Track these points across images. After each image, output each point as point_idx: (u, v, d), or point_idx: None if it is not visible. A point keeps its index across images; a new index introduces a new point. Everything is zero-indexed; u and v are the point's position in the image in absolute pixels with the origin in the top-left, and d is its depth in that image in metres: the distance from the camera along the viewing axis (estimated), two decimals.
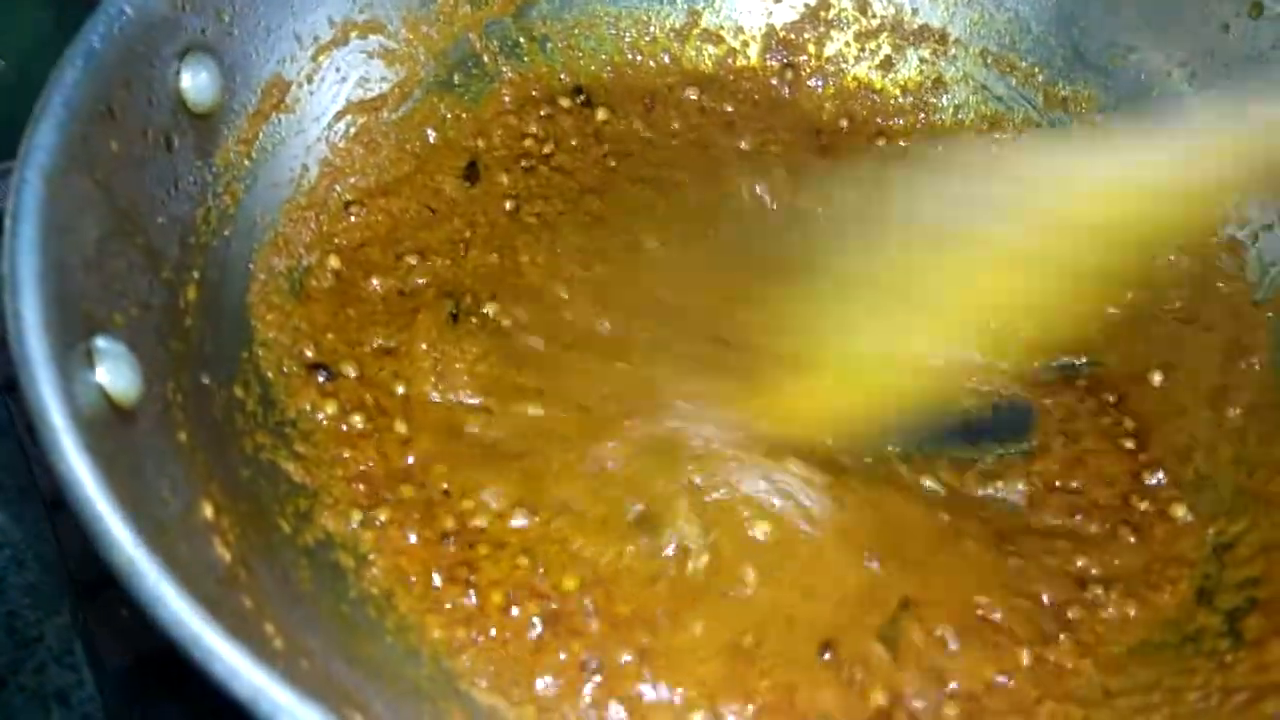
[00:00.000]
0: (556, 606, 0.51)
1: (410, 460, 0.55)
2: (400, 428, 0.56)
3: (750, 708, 0.50)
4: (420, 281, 0.61)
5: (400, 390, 0.57)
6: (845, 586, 0.53)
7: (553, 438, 0.56)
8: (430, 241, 0.63)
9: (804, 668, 0.51)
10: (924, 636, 0.52)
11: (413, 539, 0.53)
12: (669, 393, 0.59)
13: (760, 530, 0.55)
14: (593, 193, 0.67)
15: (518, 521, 0.53)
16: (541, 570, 0.52)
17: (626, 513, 0.54)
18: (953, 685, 0.50)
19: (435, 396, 0.57)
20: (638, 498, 0.55)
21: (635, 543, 0.53)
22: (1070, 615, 0.53)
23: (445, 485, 0.54)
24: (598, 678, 0.50)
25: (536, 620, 0.51)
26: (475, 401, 0.57)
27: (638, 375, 0.59)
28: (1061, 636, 0.52)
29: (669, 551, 0.54)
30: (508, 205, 0.65)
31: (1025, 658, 0.51)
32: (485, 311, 0.60)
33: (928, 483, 0.58)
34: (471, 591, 0.52)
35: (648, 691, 0.50)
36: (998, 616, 0.53)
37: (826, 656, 0.51)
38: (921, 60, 0.73)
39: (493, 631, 0.51)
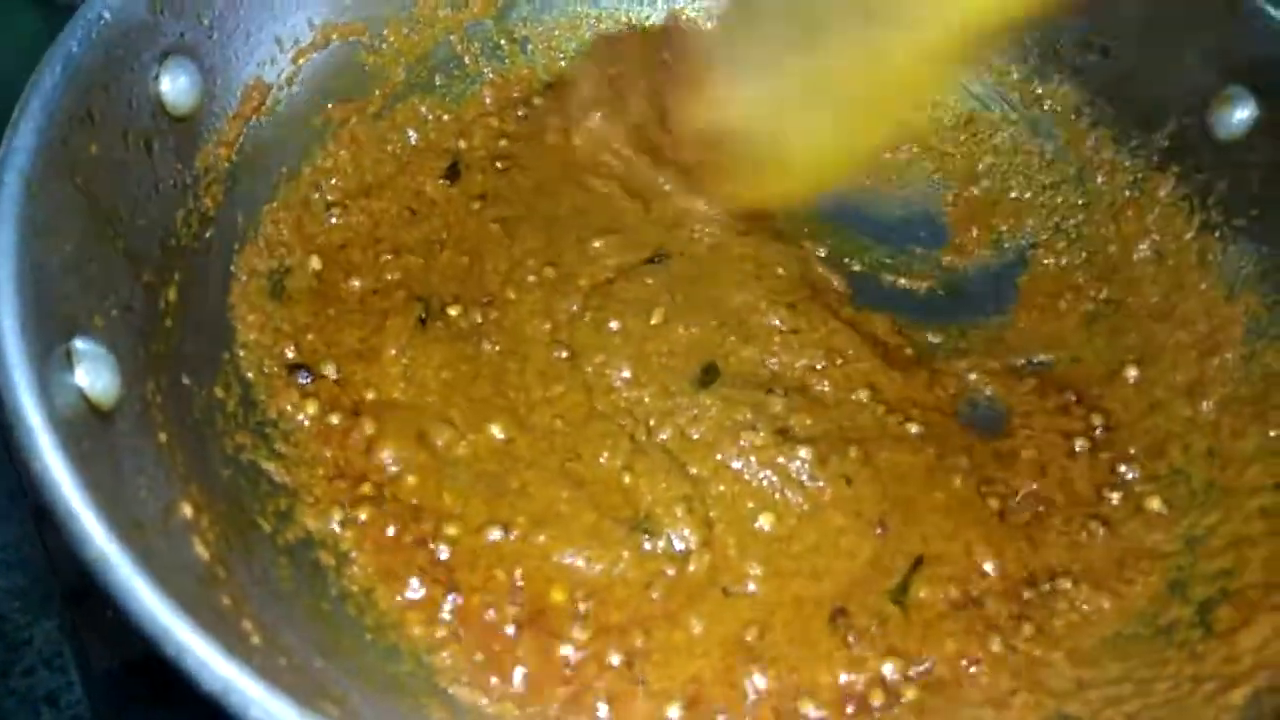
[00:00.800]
0: (538, 611, 0.52)
1: (380, 465, 0.55)
2: (369, 429, 0.56)
3: (744, 695, 0.50)
4: (392, 278, 0.61)
5: (370, 396, 0.57)
6: (857, 560, 0.54)
7: (519, 454, 0.56)
8: (407, 241, 0.63)
9: (811, 644, 0.52)
10: (934, 595, 0.53)
11: (391, 541, 0.53)
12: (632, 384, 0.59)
13: (765, 521, 0.55)
14: (548, 194, 0.67)
15: (493, 535, 0.53)
16: (519, 581, 0.52)
17: (619, 519, 0.54)
18: (928, 669, 0.51)
19: (404, 401, 0.57)
20: (629, 503, 0.55)
21: (631, 549, 0.53)
22: (1036, 603, 0.54)
23: (415, 500, 0.54)
24: (579, 675, 0.50)
25: (517, 623, 0.51)
26: (443, 412, 0.57)
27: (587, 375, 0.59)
28: (1026, 626, 0.53)
29: (666, 554, 0.54)
30: (475, 205, 0.65)
31: (996, 645, 0.52)
32: (450, 313, 0.61)
33: (913, 429, 0.59)
34: (451, 593, 0.52)
35: (630, 688, 0.50)
36: (978, 592, 0.54)
37: (839, 623, 0.52)
38: None
39: (473, 630, 0.51)
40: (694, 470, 0.56)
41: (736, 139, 0.64)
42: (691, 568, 0.54)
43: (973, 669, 0.51)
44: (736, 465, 0.56)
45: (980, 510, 0.57)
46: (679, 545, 0.54)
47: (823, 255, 0.68)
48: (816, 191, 0.68)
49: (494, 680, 0.50)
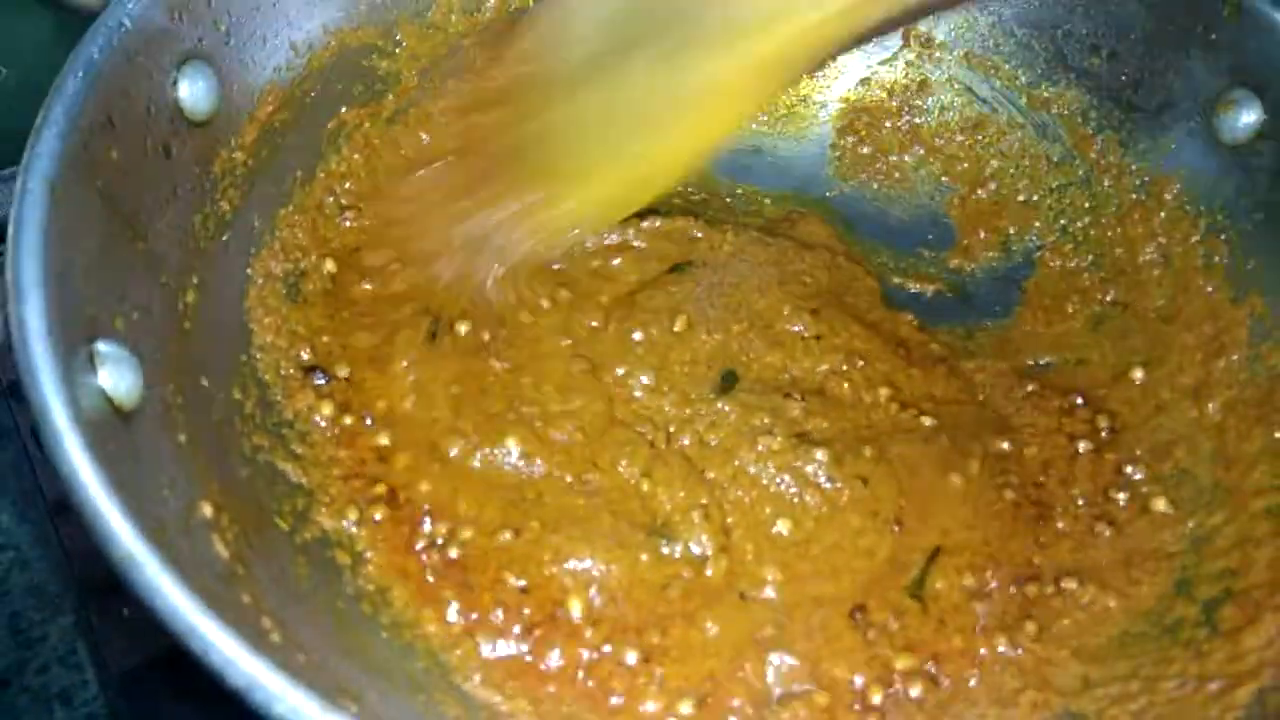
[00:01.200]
0: (551, 613, 0.52)
1: (394, 471, 0.55)
2: (383, 439, 0.56)
3: (758, 691, 0.51)
4: (399, 289, 0.61)
5: (381, 404, 0.57)
6: (875, 558, 0.55)
7: (536, 464, 0.56)
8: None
9: (828, 641, 0.52)
10: (951, 584, 0.54)
11: (405, 542, 0.53)
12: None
13: (783, 526, 0.55)
14: None
15: (506, 538, 0.54)
16: (534, 584, 0.53)
17: (636, 524, 0.55)
18: (937, 666, 0.52)
19: (414, 413, 0.57)
20: (647, 509, 0.55)
21: (648, 552, 0.54)
22: (1042, 601, 0.54)
23: (428, 504, 0.55)
24: (594, 673, 0.51)
25: (531, 623, 0.52)
26: (454, 425, 0.57)
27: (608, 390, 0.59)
28: (1030, 625, 0.53)
29: (684, 559, 0.54)
30: None
31: (1002, 643, 0.53)
32: (459, 329, 0.60)
33: (928, 422, 0.60)
34: (464, 593, 0.52)
35: (645, 685, 0.51)
36: (991, 584, 0.54)
37: (857, 618, 0.53)
38: (907, 64, 0.74)
39: (487, 629, 0.51)
40: (712, 475, 0.57)
41: (539, 149, 0.59)
42: (709, 572, 0.54)
43: (979, 667, 0.52)
44: (753, 470, 0.57)
45: (994, 499, 0.57)
46: (696, 550, 0.54)
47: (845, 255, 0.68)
48: (610, 218, 0.64)
49: (508, 678, 0.50)
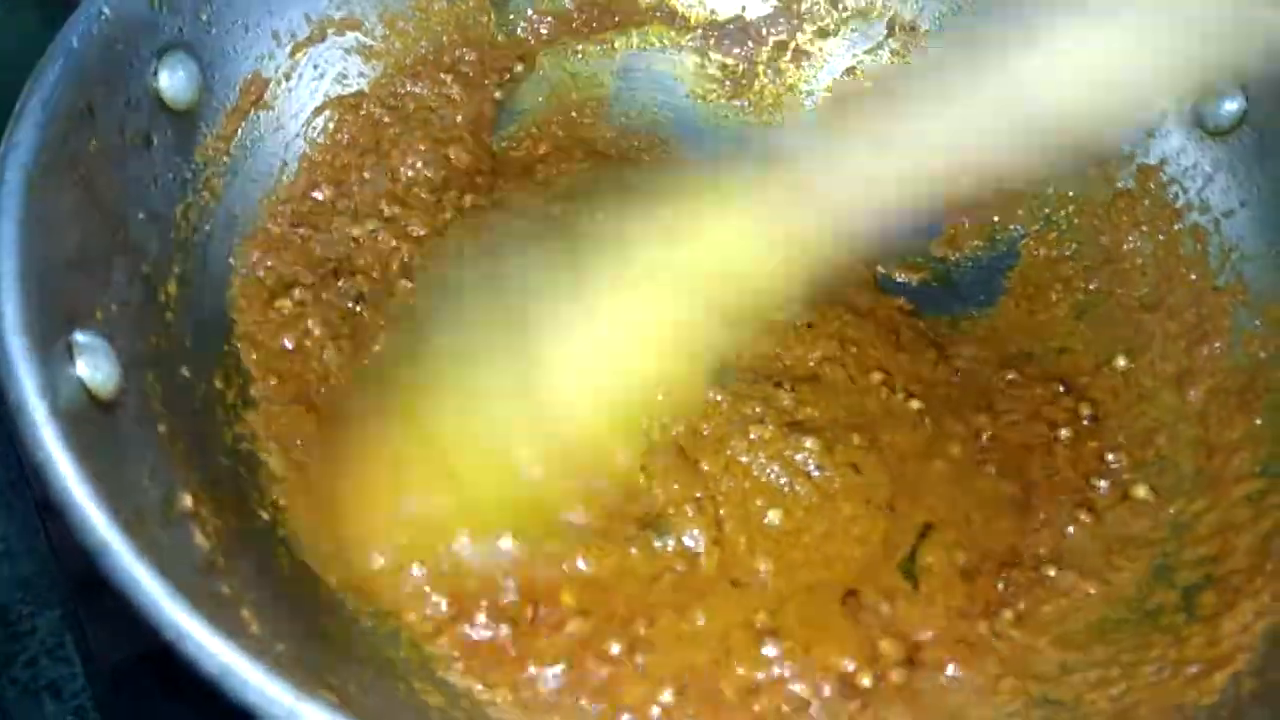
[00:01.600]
0: (536, 604, 0.52)
1: None
2: None
3: (741, 679, 0.51)
4: None
5: None
6: (868, 545, 0.55)
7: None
8: None
9: (821, 627, 0.52)
10: (940, 560, 0.54)
11: None
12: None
13: (775, 516, 0.55)
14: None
15: (504, 543, 0.53)
16: (520, 579, 0.52)
17: (628, 519, 0.55)
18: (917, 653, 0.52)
19: None
20: (641, 504, 0.55)
21: (639, 546, 0.54)
22: (1022, 587, 0.54)
23: None
24: (577, 662, 0.51)
25: (515, 615, 0.52)
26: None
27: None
28: (1008, 612, 0.53)
29: (677, 552, 0.54)
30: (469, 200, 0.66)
31: (982, 629, 0.53)
32: None
33: (915, 405, 0.60)
34: (448, 586, 0.52)
35: (629, 674, 0.51)
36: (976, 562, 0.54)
37: (848, 604, 0.53)
38: (892, 52, 0.73)
39: (470, 619, 0.51)
40: (705, 466, 0.57)
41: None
42: (701, 565, 0.54)
43: (960, 653, 0.52)
44: (745, 460, 0.57)
45: (977, 480, 0.58)
46: (689, 544, 0.54)
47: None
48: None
49: (490, 667, 0.50)
